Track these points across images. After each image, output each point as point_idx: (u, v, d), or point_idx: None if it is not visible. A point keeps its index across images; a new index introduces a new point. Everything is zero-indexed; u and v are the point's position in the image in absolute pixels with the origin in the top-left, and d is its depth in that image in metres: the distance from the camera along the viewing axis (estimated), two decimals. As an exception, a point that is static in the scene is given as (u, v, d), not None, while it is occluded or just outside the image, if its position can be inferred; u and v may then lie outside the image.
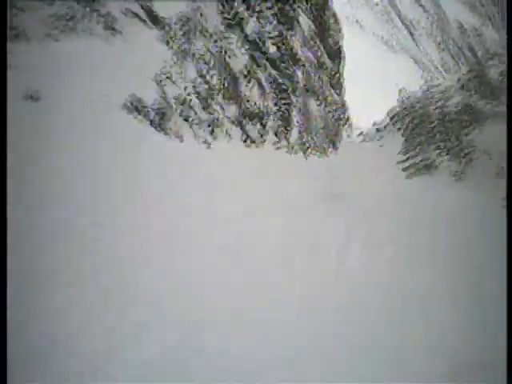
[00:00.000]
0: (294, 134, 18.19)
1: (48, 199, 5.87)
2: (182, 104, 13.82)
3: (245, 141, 15.90)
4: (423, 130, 31.05)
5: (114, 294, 5.01)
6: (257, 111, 16.37)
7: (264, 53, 16.69)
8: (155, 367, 4.07)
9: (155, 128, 12.61)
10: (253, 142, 15.93)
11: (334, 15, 26.76)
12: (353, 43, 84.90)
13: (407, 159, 26.97)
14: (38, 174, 6.17)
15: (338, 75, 24.07)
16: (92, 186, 6.66)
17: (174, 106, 13.38)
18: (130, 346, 4.27)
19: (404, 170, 25.22)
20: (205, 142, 14.08)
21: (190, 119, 14.00)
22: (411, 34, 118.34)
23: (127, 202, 6.73)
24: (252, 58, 16.13)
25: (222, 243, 6.44)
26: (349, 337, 4.93)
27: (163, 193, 7.64)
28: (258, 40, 16.18)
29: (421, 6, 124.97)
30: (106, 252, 5.42)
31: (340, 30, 26.32)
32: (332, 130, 23.21)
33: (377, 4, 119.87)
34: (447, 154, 24.32)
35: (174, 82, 13.63)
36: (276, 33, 16.83)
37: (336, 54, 27.24)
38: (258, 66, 16.42)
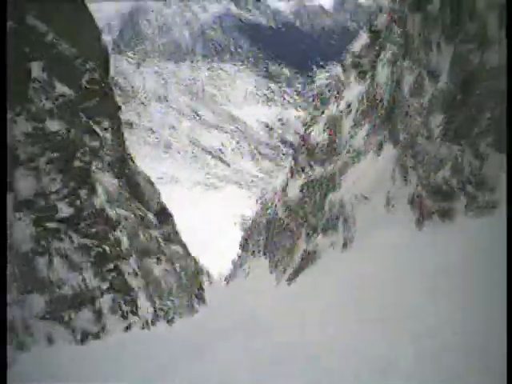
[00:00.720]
0: (144, 304, 13.38)
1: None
2: None
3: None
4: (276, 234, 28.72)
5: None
6: (82, 296, 11.41)
7: (60, 220, 12.17)
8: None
9: None
10: (83, 340, 10.63)
11: (140, 173, 24.88)
12: (174, 197, 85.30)
13: (284, 271, 23.49)
14: None
15: (170, 229, 21.10)
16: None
17: None
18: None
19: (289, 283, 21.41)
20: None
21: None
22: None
23: None
24: (44, 231, 11.50)
25: None
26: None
27: None
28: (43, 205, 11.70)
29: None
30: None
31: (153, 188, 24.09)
32: (189, 285, 19.56)
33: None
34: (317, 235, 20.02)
35: None
36: (66, 191, 12.59)
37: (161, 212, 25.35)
38: (58, 238, 11.80)
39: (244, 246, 37.89)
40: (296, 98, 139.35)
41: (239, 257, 37.51)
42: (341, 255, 15.61)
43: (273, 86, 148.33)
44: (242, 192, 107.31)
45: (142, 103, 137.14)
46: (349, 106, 20.95)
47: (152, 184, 22.02)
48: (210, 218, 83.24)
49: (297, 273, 19.29)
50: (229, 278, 37.44)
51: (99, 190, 14.53)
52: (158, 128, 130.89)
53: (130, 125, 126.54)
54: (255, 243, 34.37)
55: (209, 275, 42.80)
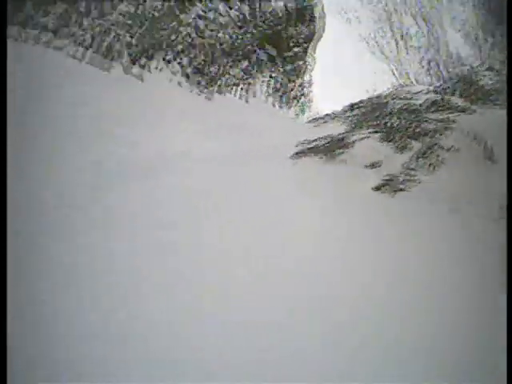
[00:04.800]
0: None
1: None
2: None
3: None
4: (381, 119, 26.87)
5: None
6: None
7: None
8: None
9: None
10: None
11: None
12: (336, 33, 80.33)
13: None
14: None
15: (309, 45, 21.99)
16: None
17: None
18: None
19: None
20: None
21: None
22: (397, 43, 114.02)
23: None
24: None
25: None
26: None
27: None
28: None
29: (417, 24, 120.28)
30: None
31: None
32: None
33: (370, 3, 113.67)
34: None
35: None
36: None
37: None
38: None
39: (352, 105, 34.77)
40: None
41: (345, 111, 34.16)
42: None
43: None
44: (390, 76, 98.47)
45: None
46: None
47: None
48: (347, 69, 78.54)
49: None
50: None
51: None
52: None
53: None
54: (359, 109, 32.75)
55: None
